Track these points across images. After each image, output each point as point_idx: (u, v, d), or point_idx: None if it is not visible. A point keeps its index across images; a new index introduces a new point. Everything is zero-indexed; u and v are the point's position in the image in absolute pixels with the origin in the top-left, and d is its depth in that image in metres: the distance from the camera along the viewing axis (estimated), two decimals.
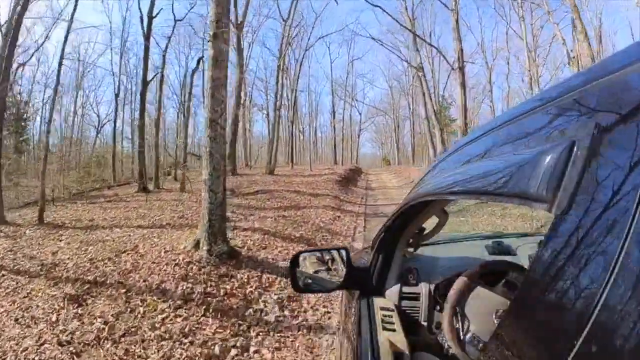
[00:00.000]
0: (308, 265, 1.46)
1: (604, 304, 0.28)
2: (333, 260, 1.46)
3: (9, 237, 6.59)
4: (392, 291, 1.24)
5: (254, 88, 28.25)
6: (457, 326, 0.94)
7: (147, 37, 14.44)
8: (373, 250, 1.33)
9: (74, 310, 3.32)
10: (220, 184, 4.30)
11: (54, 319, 3.21)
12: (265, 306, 3.60)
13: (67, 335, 2.92)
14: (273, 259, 4.73)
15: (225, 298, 3.65)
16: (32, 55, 18.84)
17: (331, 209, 9.08)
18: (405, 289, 1.23)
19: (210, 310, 3.34)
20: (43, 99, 23.04)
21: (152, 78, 16.25)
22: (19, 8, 8.39)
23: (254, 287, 3.94)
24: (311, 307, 3.63)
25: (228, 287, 3.87)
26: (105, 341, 2.85)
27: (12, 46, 8.42)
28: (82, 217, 9.66)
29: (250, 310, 3.49)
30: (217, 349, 2.83)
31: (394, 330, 1.01)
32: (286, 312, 3.52)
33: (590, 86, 0.42)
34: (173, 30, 17.60)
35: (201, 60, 14.74)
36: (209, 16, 4.39)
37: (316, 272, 1.47)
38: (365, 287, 1.29)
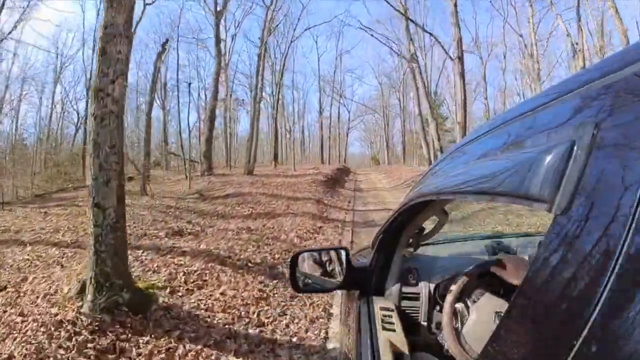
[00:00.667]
0: (307, 265, 1.38)
1: (603, 304, 0.28)
2: (333, 260, 1.38)
3: None
4: (392, 291, 1.24)
5: (237, 84, 26.51)
6: (457, 326, 0.95)
7: None
8: (373, 250, 1.32)
9: None
10: (112, 195, 2.60)
11: None
12: None
13: None
14: (207, 310, 3.04)
15: None
16: None
17: (312, 217, 7.43)
18: (405, 289, 1.23)
19: None
20: (20, 95, 21.48)
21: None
22: None
23: None
24: None
25: None
26: None
27: None
28: (13, 227, 7.96)
29: None
30: None
31: (394, 330, 1.01)
32: None
33: (590, 86, 0.41)
34: (142, 14, 15.64)
35: (167, 43, 12.85)
36: None
37: (316, 272, 1.39)
38: (365, 287, 1.28)
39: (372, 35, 19.59)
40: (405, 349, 0.93)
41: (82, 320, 2.54)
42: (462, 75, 13.55)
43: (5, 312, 3.09)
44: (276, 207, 8.38)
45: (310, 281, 1.37)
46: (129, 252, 4.64)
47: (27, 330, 2.61)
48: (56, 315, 2.70)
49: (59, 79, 22.46)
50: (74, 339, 2.42)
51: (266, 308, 3.27)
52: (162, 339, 2.51)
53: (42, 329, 2.57)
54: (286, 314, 3.20)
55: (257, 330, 2.89)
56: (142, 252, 4.60)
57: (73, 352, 2.33)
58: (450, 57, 13.94)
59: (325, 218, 7.80)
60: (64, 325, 2.54)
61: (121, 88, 2.60)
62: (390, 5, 14.80)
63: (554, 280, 0.35)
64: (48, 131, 22.17)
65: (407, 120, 33.44)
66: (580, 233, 0.33)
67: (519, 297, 0.41)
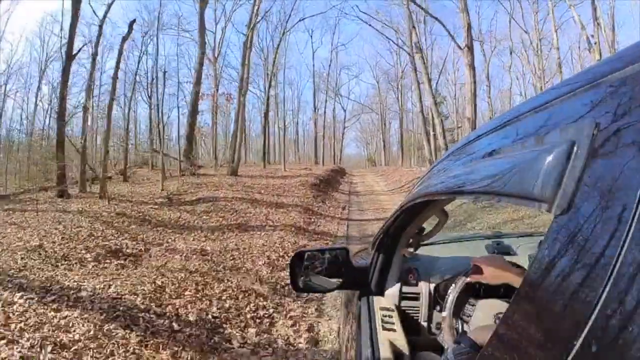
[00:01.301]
0: (308, 265, 1.35)
1: (603, 305, 0.28)
2: (333, 260, 1.36)
3: None
4: (392, 291, 1.24)
5: (230, 80, 24.72)
6: (457, 326, 0.99)
7: None
8: (373, 250, 1.32)
9: None
10: None
11: None
12: None
13: None
14: None
15: None
16: None
17: (294, 232, 5.83)
18: (405, 289, 1.24)
19: None
20: (5, 91, 19.76)
21: (79, 51, 12.60)
22: None
23: None
24: None
25: None
26: None
27: None
28: None
29: None
30: None
31: (394, 330, 1.01)
32: None
33: (590, 86, 0.41)
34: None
35: (134, 23, 11.15)
36: None
37: (316, 272, 1.36)
38: (365, 287, 1.28)
39: (370, 25, 18.06)
40: (405, 349, 0.93)
41: None
42: (472, 66, 12.04)
43: None
44: (252, 217, 6.76)
45: (310, 281, 1.34)
46: (4, 294, 3.03)
47: None
48: None
49: (44, 73, 20.91)
50: None
51: None
52: None
53: None
54: None
55: None
56: (23, 295, 2.97)
57: None
58: (459, 46, 12.41)
59: (312, 232, 6.19)
60: None
61: None
62: None
63: (554, 280, 0.35)
64: (32, 127, 20.64)
65: (405, 119, 31.98)
66: (580, 233, 0.33)
67: (518, 297, 0.41)
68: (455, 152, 0.84)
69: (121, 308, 2.67)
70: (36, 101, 20.89)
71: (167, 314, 2.68)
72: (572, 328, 0.30)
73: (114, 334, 2.35)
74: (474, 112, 11.66)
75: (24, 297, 2.94)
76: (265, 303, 3.19)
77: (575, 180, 0.36)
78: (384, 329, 1.00)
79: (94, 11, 13.61)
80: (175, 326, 2.52)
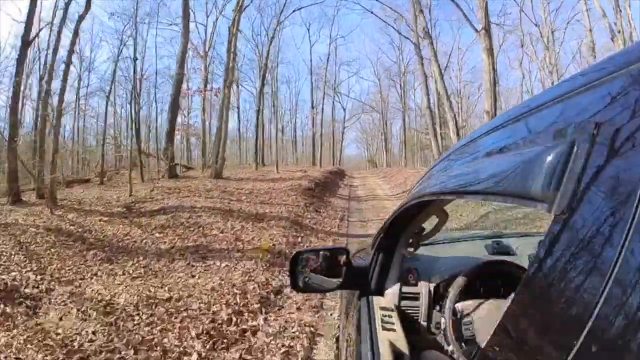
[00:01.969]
0: (308, 265, 1.34)
1: (603, 304, 0.28)
2: (333, 260, 1.35)
3: None
4: (392, 291, 1.24)
5: (221, 76, 23.00)
6: (457, 326, 0.97)
7: None
8: (373, 250, 1.31)
9: None
10: None
11: None
12: None
13: None
14: None
15: None
16: None
17: (269, 262, 4.12)
18: (405, 289, 1.23)
19: None
20: None
21: (35, 36, 10.95)
22: None
23: None
24: None
25: None
26: None
27: None
28: None
29: None
30: None
31: (393, 330, 1.00)
32: None
33: (590, 86, 0.41)
34: None
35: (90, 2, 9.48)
36: None
37: (316, 271, 1.34)
38: (365, 287, 1.28)
39: (372, 12, 16.42)
40: (405, 349, 0.93)
41: None
42: (491, 51, 10.37)
43: None
44: (217, 236, 5.07)
45: (310, 281, 1.32)
46: None
47: None
48: None
49: (31, 70, 19.32)
50: None
51: None
52: None
53: None
54: None
55: None
56: None
57: None
58: (475, 29, 10.75)
59: None
60: None
61: None
62: None
63: (553, 280, 0.35)
64: (15, 124, 18.97)
65: (407, 118, 30.31)
66: (580, 233, 0.33)
67: (518, 297, 0.41)
68: (456, 152, 0.84)
69: None
70: (22, 99, 19.54)
71: None
72: (573, 328, 0.30)
73: None
74: (494, 105, 9.98)
75: None
76: None
77: (575, 180, 0.36)
78: (384, 329, 0.99)
79: None
80: None
